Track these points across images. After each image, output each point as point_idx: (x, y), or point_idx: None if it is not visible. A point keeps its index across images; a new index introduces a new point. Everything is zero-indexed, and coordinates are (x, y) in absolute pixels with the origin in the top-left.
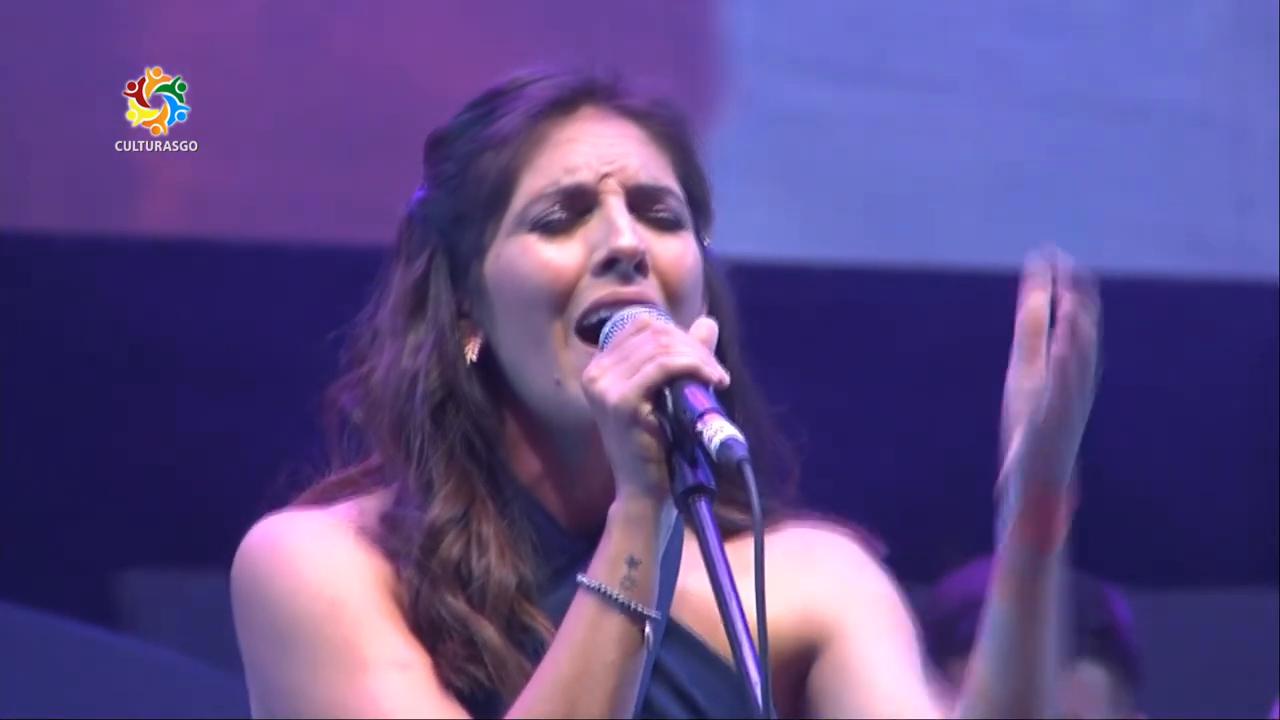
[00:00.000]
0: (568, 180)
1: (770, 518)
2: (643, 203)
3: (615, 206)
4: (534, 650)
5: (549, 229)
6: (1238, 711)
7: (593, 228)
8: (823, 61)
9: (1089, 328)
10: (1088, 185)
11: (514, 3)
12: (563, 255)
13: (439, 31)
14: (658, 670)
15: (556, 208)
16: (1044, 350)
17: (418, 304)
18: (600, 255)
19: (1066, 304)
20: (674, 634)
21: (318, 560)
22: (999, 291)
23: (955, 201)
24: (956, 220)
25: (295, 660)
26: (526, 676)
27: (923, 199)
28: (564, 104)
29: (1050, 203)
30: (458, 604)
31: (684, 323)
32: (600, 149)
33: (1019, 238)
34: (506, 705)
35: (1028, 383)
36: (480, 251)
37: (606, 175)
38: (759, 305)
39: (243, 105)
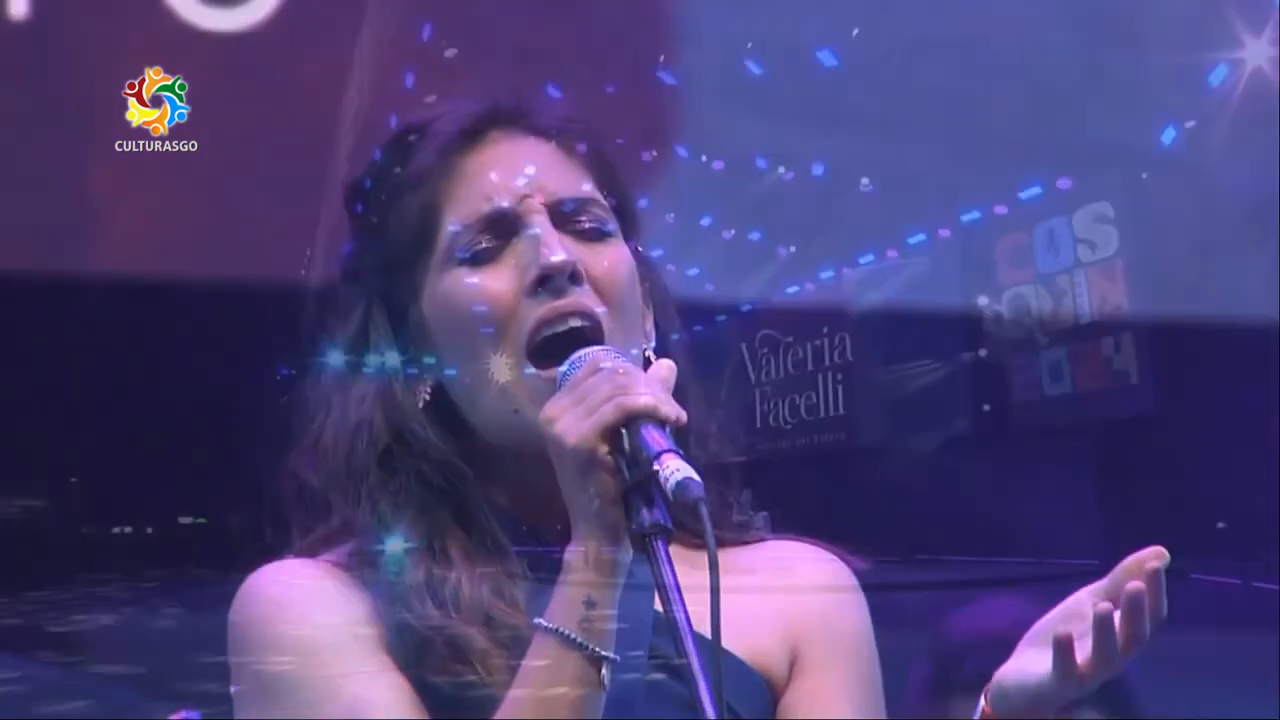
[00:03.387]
0: (488, 208)
1: (749, 535)
2: (566, 217)
3: (540, 225)
4: (522, 650)
5: (477, 259)
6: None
7: (521, 250)
8: (780, 101)
9: (1145, 630)
10: None
11: (478, 48)
12: (496, 282)
13: (402, 76)
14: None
15: (482, 237)
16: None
17: (359, 356)
18: (532, 274)
19: (1140, 596)
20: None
21: (291, 616)
22: None
23: None
24: None
25: None
26: (513, 673)
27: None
28: (472, 133)
29: None
30: (431, 613)
31: (626, 327)
32: (515, 171)
33: None
34: (499, 700)
35: (1094, 607)
36: (415, 293)
37: (525, 196)
38: (711, 345)
39: (205, 143)
